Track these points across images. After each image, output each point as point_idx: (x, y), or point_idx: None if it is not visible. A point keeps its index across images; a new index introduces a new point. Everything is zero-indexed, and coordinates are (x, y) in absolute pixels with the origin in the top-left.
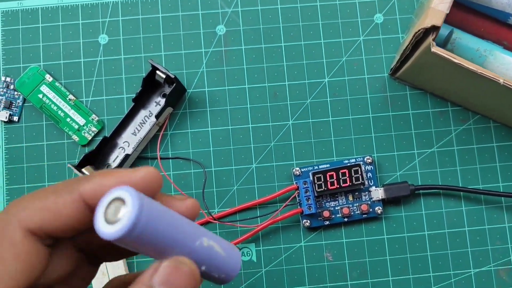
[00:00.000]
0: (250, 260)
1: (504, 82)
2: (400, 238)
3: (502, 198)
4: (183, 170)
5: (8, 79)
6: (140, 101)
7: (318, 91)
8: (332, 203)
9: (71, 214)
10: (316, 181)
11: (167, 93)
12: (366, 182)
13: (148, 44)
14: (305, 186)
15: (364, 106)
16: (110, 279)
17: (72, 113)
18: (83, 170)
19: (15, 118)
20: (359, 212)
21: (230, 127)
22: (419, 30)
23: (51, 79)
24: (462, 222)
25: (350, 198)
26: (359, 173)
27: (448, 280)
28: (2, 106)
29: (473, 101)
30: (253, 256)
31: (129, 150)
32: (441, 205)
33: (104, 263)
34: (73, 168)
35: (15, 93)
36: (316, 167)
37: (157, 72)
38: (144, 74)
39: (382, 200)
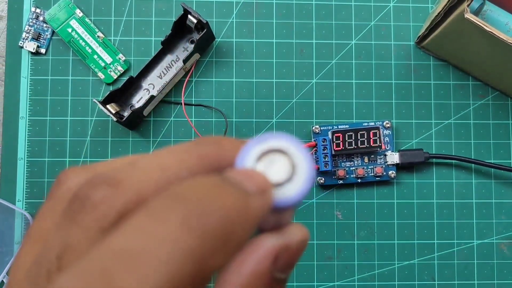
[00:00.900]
0: None
1: None
2: (409, 204)
3: None
4: (205, 118)
5: (38, 10)
6: (168, 45)
7: (344, 53)
8: (348, 163)
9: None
10: (334, 140)
11: (196, 39)
12: (383, 146)
13: None
14: (323, 143)
15: (387, 72)
16: None
17: (99, 50)
18: (107, 106)
19: (43, 50)
20: (373, 174)
21: (254, 80)
22: None
23: (81, 14)
24: (471, 194)
25: (366, 160)
26: (378, 135)
27: (451, 248)
28: (30, 37)
29: (495, 75)
30: None
31: (154, 92)
32: (452, 176)
33: None
34: (98, 103)
35: (44, 25)
36: (336, 127)
37: (189, 16)
38: (174, 19)
39: (396, 165)
